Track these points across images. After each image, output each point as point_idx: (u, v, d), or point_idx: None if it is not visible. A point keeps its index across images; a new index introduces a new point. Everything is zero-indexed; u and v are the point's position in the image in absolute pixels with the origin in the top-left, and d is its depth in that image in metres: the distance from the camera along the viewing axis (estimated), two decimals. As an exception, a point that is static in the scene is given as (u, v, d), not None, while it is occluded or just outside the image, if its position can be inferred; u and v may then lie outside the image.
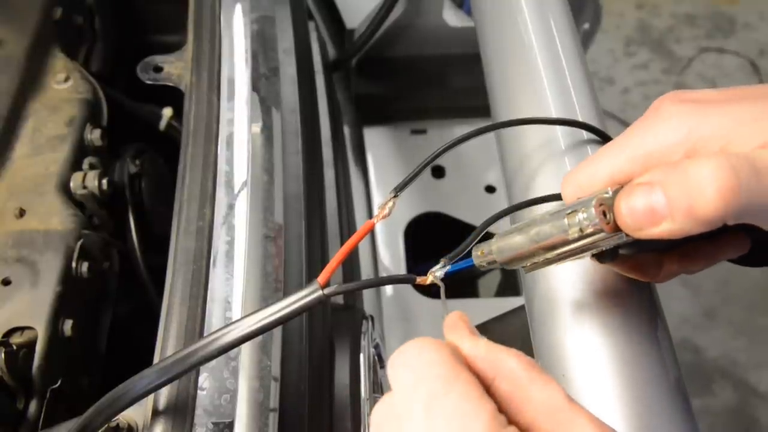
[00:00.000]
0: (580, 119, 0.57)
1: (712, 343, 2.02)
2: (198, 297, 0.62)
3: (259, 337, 0.58)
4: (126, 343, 0.82)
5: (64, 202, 0.75)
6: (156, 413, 0.56)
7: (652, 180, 0.36)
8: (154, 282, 0.85)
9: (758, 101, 0.37)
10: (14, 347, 0.63)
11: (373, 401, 0.75)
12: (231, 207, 0.69)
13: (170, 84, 0.83)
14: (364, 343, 0.80)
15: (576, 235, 0.38)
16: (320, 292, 0.45)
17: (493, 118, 0.66)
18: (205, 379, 0.57)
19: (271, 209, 0.70)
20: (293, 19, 0.93)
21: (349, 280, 0.99)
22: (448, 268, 0.44)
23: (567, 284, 0.50)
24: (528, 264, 0.43)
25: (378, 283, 1.13)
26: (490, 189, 1.45)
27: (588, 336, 0.47)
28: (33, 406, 0.64)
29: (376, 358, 0.82)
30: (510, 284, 1.43)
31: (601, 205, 0.38)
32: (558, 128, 0.57)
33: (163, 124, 0.97)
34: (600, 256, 0.43)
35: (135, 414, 0.56)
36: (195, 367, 0.51)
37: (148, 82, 0.83)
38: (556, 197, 0.47)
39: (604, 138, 0.55)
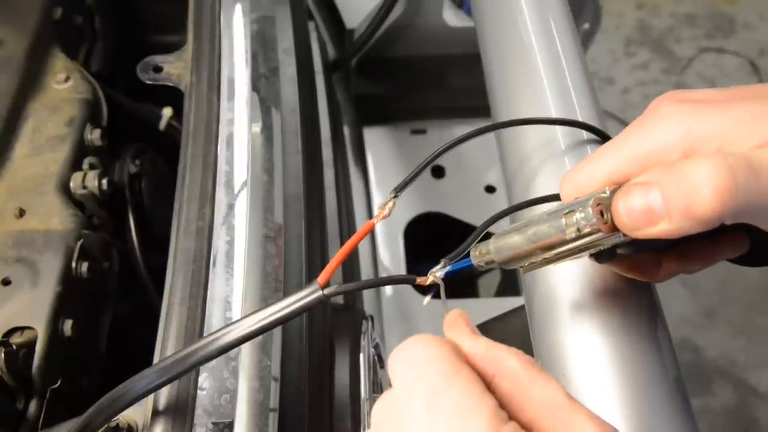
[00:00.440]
0: (580, 119, 0.57)
1: (711, 343, 2.02)
2: (198, 297, 0.62)
3: (259, 337, 0.58)
4: (126, 343, 0.82)
5: (64, 202, 0.75)
6: (156, 413, 0.56)
7: (649, 180, 0.36)
8: (154, 282, 0.85)
9: (757, 101, 0.37)
10: (14, 347, 0.63)
11: (373, 401, 0.75)
12: (231, 207, 0.69)
13: (170, 84, 0.82)
14: (364, 343, 0.80)
15: (573, 235, 0.38)
16: (320, 293, 0.45)
17: (493, 118, 0.66)
18: (205, 379, 0.57)
19: (271, 209, 0.70)
20: (293, 19, 0.93)
21: (349, 280, 0.99)
22: (448, 268, 0.44)
23: (567, 284, 0.50)
24: (526, 264, 0.43)
25: (378, 283, 1.13)
26: (490, 189, 1.45)
27: (588, 336, 0.47)
28: (33, 406, 0.64)
29: (376, 358, 0.82)
30: (510, 284, 1.43)
31: (598, 204, 0.38)
32: (558, 128, 0.57)
33: (163, 124, 0.97)
34: (598, 256, 0.43)
35: (135, 414, 0.56)
36: (195, 367, 0.51)
37: (148, 82, 0.83)
38: (556, 197, 0.47)
39: (604, 138, 0.55)
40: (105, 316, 0.79)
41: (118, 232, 0.86)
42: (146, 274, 0.86)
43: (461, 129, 1.49)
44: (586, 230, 0.38)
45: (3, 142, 0.80)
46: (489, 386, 0.34)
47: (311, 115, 0.91)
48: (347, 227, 1.08)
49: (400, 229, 1.39)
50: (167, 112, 0.97)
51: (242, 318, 0.48)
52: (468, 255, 0.45)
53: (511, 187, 0.59)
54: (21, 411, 0.63)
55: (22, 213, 0.74)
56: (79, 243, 0.72)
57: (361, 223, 1.26)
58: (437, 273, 0.44)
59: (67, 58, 0.89)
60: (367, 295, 1.16)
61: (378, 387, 0.80)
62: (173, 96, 0.82)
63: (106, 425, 0.53)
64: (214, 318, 0.61)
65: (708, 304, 2.08)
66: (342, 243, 0.94)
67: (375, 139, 1.50)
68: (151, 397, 0.55)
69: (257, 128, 0.76)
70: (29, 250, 0.70)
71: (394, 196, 0.47)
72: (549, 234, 0.39)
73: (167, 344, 0.59)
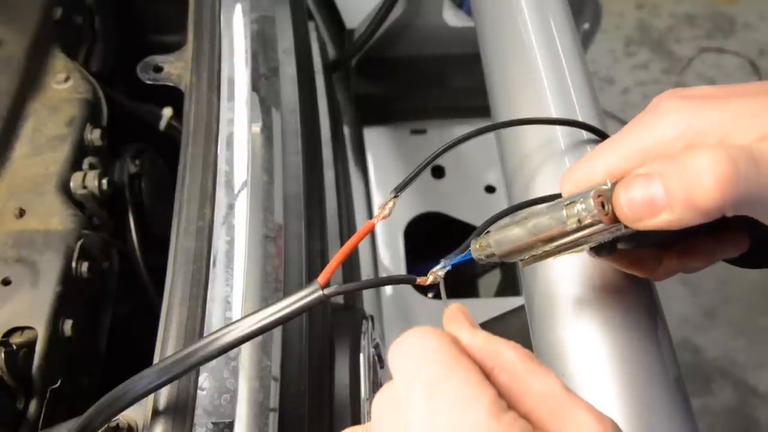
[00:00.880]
0: (580, 119, 0.57)
1: (711, 343, 2.02)
2: (198, 297, 0.62)
3: (259, 337, 0.58)
4: (126, 343, 0.82)
5: (64, 202, 0.75)
6: (156, 413, 0.56)
7: (650, 171, 0.36)
8: (154, 282, 0.85)
9: (757, 97, 0.38)
10: (14, 347, 0.63)
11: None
12: (231, 207, 0.69)
13: (170, 84, 0.83)
14: (364, 343, 0.80)
15: (574, 226, 0.38)
16: (320, 293, 0.45)
17: (493, 118, 0.66)
18: (205, 379, 0.57)
19: (271, 209, 0.70)
20: (293, 19, 0.93)
21: (349, 280, 0.99)
22: (448, 268, 0.44)
23: (566, 283, 0.50)
24: (527, 257, 0.42)
25: (378, 283, 1.14)
26: (490, 189, 1.45)
27: (588, 334, 0.47)
28: (33, 406, 0.63)
29: (376, 358, 0.82)
30: (510, 284, 1.43)
31: (599, 196, 0.38)
32: (558, 128, 0.57)
33: (163, 124, 0.97)
34: (598, 250, 0.42)
35: (135, 414, 0.56)
36: (195, 367, 0.51)
37: (148, 82, 0.83)
38: (557, 197, 0.47)
39: (603, 138, 0.55)
40: (105, 316, 0.79)
41: (118, 232, 0.86)
42: (146, 274, 0.86)
43: (461, 129, 1.49)
44: (587, 221, 0.38)
45: (3, 142, 0.80)
46: (488, 379, 0.34)
47: (311, 115, 0.91)
48: (347, 227, 1.08)
49: (400, 229, 1.39)
50: (167, 112, 0.97)
51: (242, 318, 0.48)
52: (464, 252, 0.45)
53: (511, 187, 0.59)
54: (21, 411, 0.63)
55: (22, 213, 0.74)
56: (79, 243, 0.72)
57: (361, 223, 1.27)
58: (437, 272, 0.44)
59: (67, 58, 0.89)
60: (367, 295, 1.16)
61: (378, 387, 0.80)
62: (173, 96, 0.82)
63: (106, 425, 0.53)
64: (214, 318, 0.61)
65: (708, 304, 2.08)
66: (342, 243, 0.94)
67: (375, 139, 1.50)
68: (151, 397, 0.55)
69: (257, 128, 0.76)
70: (29, 250, 0.70)
71: (394, 196, 0.47)
72: (550, 226, 0.39)
73: (167, 344, 0.59)
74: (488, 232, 0.44)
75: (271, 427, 0.57)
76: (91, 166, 0.81)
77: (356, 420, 0.73)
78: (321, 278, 0.45)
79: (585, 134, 0.56)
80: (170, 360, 0.50)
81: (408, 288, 1.30)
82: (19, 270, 0.69)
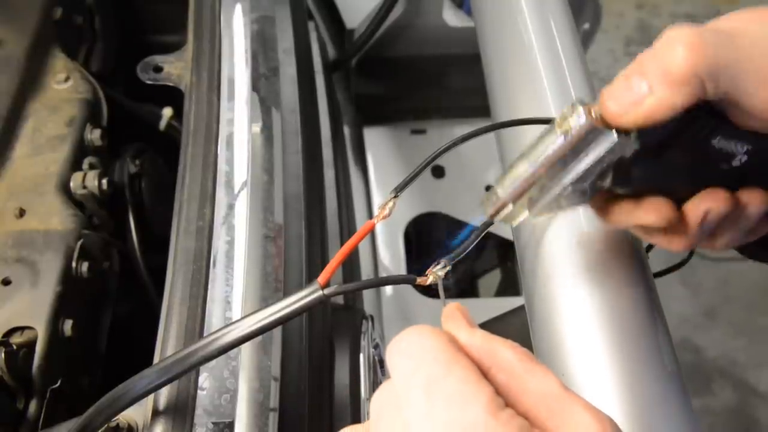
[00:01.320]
0: (580, 119, 0.57)
1: (711, 343, 2.02)
2: (198, 297, 0.62)
3: (259, 337, 0.58)
4: (126, 343, 0.82)
5: (64, 202, 0.75)
6: (156, 413, 0.56)
7: (629, 70, 0.38)
8: (154, 282, 0.85)
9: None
10: (14, 347, 0.63)
11: (373, 401, 0.75)
12: (231, 207, 0.69)
13: (170, 84, 0.82)
14: (364, 343, 0.80)
15: (566, 131, 0.38)
16: (320, 293, 0.45)
17: (493, 118, 0.66)
18: (205, 379, 0.57)
19: (271, 209, 0.70)
20: (293, 19, 0.93)
21: (349, 280, 0.99)
22: (448, 268, 0.44)
23: (567, 283, 0.50)
24: (535, 195, 0.41)
25: (378, 283, 1.13)
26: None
27: (588, 334, 0.47)
28: (33, 406, 0.63)
29: (376, 358, 0.82)
30: (510, 284, 1.43)
31: (585, 104, 0.38)
32: (558, 128, 0.56)
33: (163, 124, 0.97)
34: (601, 180, 0.41)
35: (135, 414, 0.56)
36: (195, 367, 0.51)
37: (148, 82, 0.83)
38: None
39: (604, 138, 0.55)
40: (105, 316, 0.79)
41: (118, 232, 0.86)
42: (146, 274, 0.86)
43: (461, 129, 1.49)
44: (577, 127, 0.38)
45: (3, 142, 0.79)
46: (485, 378, 0.34)
47: (311, 115, 0.91)
48: (347, 227, 1.09)
49: (400, 229, 1.39)
50: (167, 112, 0.97)
51: (242, 318, 0.48)
52: (465, 252, 0.45)
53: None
54: (21, 411, 0.63)
55: (22, 213, 0.74)
56: (79, 243, 0.72)
57: (361, 223, 1.27)
58: (437, 272, 0.44)
59: (67, 58, 0.89)
60: (367, 295, 1.16)
61: (378, 387, 0.79)
62: (173, 96, 0.82)
63: (106, 425, 0.53)
64: (214, 318, 0.61)
65: (708, 303, 2.08)
66: (342, 243, 0.94)
67: (375, 139, 1.50)
68: (151, 397, 0.55)
69: (257, 128, 0.76)
70: (29, 250, 0.70)
71: (394, 196, 0.47)
72: (546, 146, 0.39)
73: (167, 344, 0.59)
74: (488, 235, 0.44)
75: (271, 427, 0.57)
76: (91, 166, 0.81)
77: (356, 420, 0.73)
78: (321, 278, 0.45)
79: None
80: (170, 360, 0.50)
81: (408, 288, 1.30)
82: (19, 270, 0.69)
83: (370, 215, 1.36)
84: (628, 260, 0.49)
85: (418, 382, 0.33)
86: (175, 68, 0.83)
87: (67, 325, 0.68)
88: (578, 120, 0.38)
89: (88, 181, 0.77)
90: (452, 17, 1.32)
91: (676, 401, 0.45)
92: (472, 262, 1.48)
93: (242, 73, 0.80)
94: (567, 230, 0.51)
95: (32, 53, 0.87)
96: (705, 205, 0.42)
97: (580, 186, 0.41)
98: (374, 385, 0.78)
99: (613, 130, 0.38)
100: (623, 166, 0.40)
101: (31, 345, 0.64)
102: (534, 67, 0.61)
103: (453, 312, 0.38)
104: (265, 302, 0.63)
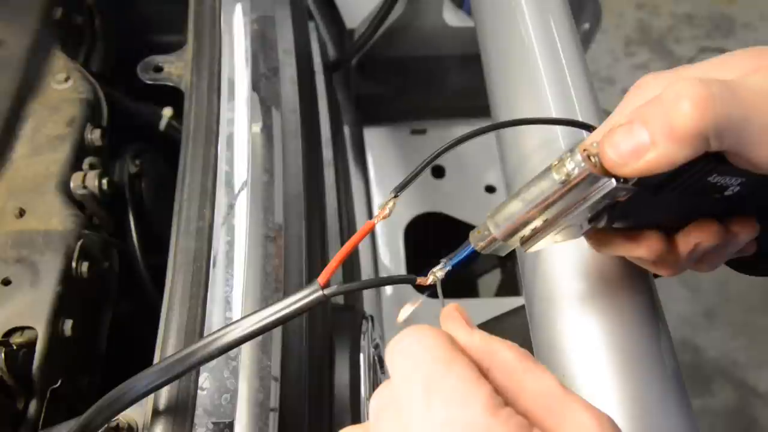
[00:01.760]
0: (580, 119, 0.57)
1: (711, 344, 2.02)
2: (198, 297, 0.62)
3: (259, 337, 0.58)
4: (126, 343, 0.82)
5: (64, 202, 0.75)
6: (156, 413, 0.56)
7: (631, 118, 0.37)
8: (154, 282, 0.85)
9: (722, 58, 0.40)
10: (14, 347, 0.63)
11: (373, 401, 0.75)
12: (231, 207, 0.69)
13: (170, 84, 0.83)
14: (364, 343, 0.80)
15: (563, 178, 0.38)
16: (320, 293, 0.45)
17: (493, 118, 0.66)
18: (205, 379, 0.57)
19: (271, 209, 0.70)
20: (293, 19, 0.93)
21: (349, 280, 0.99)
22: (448, 268, 0.44)
23: (566, 283, 0.50)
24: (527, 233, 0.41)
25: (378, 283, 1.13)
26: (490, 189, 1.45)
27: (588, 334, 0.47)
28: (33, 406, 0.64)
29: (376, 358, 0.82)
30: (510, 284, 1.43)
31: (585, 150, 0.38)
32: (558, 128, 0.57)
33: (163, 124, 0.97)
34: (596, 220, 0.42)
35: (135, 414, 0.56)
36: (195, 367, 0.51)
37: (148, 82, 0.83)
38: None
39: (604, 138, 0.55)
40: (105, 316, 0.79)
41: (118, 232, 0.86)
42: (146, 274, 0.86)
43: (461, 129, 1.49)
44: (575, 173, 0.37)
45: (3, 142, 0.79)
46: (485, 377, 0.34)
47: (311, 115, 0.91)
48: (347, 227, 1.08)
49: (400, 229, 1.39)
50: (167, 112, 0.97)
51: (242, 318, 0.48)
52: (465, 258, 0.44)
53: (511, 187, 0.59)
54: (21, 411, 0.63)
55: (22, 213, 0.74)
56: (79, 243, 0.72)
57: (361, 223, 1.27)
58: (437, 273, 0.44)
59: (67, 58, 0.89)
60: (367, 295, 1.16)
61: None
62: (173, 96, 0.82)
63: (106, 425, 0.53)
64: (214, 318, 0.61)
65: (708, 304, 2.08)
66: (342, 243, 0.94)
67: (375, 139, 1.50)
68: (151, 397, 0.55)
69: (257, 128, 0.76)
70: (29, 250, 0.70)
71: (394, 196, 0.46)
72: (542, 189, 0.39)
73: (167, 344, 0.59)
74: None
75: (271, 427, 0.57)
76: (91, 166, 0.81)
77: (356, 420, 0.73)
78: (321, 278, 0.45)
79: (585, 134, 0.56)
80: (170, 360, 0.50)
81: (408, 288, 1.30)
82: (19, 270, 0.69)
83: (370, 215, 1.36)
84: (629, 261, 0.49)
85: (417, 381, 0.33)
86: (175, 68, 0.84)
87: (67, 325, 0.68)
88: (577, 167, 0.37)
89: (88, 181, 0.77)
90: (452, 17, 1.32)
91: (676, 401, 0.45)
92: (472, 262, 1.48)
93: (242, 73, 0.80)
94: (567, 230, 0.51)
95: (32, 53, 0.87)
96: (696, 238, 0.43)
97: (575, 223, 0.41)
98: (374, 385, 0.78)
99: (612, 178, 0.38)
100: (619, 205, 0.40)
101: (31, 345, 0.64)
102: (534, 67, 0.61)
103: (451, 313, 0.38)
104: (265, 302, 0.63)
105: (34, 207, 0.74)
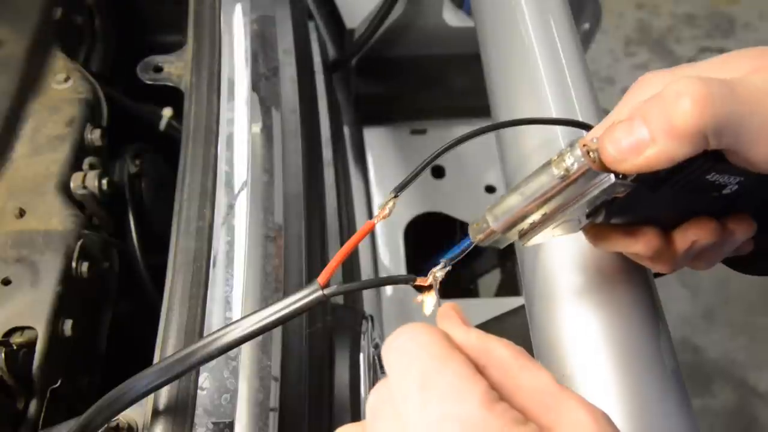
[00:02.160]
0: (580, 119, 0.57)
1: (711, 344, 2.02)
2: (198, 297, 0.62)
3: (259, 337, 0.58)
4: (126, 343, 0.82)
5: (64, 202, 0.75)
6: (156, 413, 0.56)
7: (631, 115, 0.38)
8: (154, 282, 0.85)
9: (722, 57, 0.41)
10: (14, 347, 0.63)
11: (373, 401, 0.75)
12: (231, 207, 0.69)
13: (170, 84, 0.83)
14: (364, 343, 0.80)
15: (563, 173, 0.38)
16: (320, 292, 0.45)
17: (493, 118, 0.66)
18: (205, 379, 0.57)
19: (271, 209, 0.70)
20: (293, 19, 0.93)
21: (349, 280, 0.99)
22: (448, 268, 0.44)
23: (566, 283, 0.50)
24: (525, 227, 0.41)
25: (378, 283, 1.14)
26: (490, 189, 1.45)
27: (588, 334, 0.47)
28: (33, 406, 0.63)
29: (375, 357, 0.82)
30: (510, 284, 1.43)
31: (584, 145, 0.38)
32: (558, 128, 0.57)
33: (163, 124, 0.97)
34: (594, 215, 0.42)
35: (135, 414, 0.56)
36: (195, 367, 0.51)
37: (148, 82, 0.83)
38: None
39: (604, 138, 0.55)
40: (105, 316, 0.79)
41: (118, 232, 0.86)
42: (146, 274, 0.86)
43: (461, 129, 1.49)
44: (575, 168, 0.38)
45: (3, 142, 0.79)
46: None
47: (311, 115, 0.91)
48: (347, 227, 1.08)
49: (400, 229, 1.39)
50: (167, 112, 0.97)
51: (242, 318, 0.48)
52: (463, 251, 0.44)
53: (510, 187, 0.59)
54: (21, 411, 0.63)
55: (22, 213, 0.74)
56: (79, 243, 0.72)
57: (361, 223, 1.27)
58: (437, 273, 0.44)
59: (67, 58, 0.89)
60: (367, 295, 1.16)
61: (378, 387, 0.79)
62: (173, 96, 0.82)
63: (106, 425, 0.53)
64: (214, 318, 0.61)
65: (708, 304, 2.08)
66: (342, 243, 0.94)
67: (375, 139, 1.50)
68: (151, 397, 0.55)
69: (257, 128, 0.76)
70: (29, 250, 0.70)
71: (394, 196, 0.47)
72: (541, 183, 0.39)
73: (167, 344, 0.59)
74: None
75: (271, 427, 0.57)
76: (91, 166, 0.81)
77: (356, 420, 0.73)
78: (321, 278, 0.45)
79: (585, 134, 0.56)
80: (170, 360, 0.50)
81: (408, 288, 1.30)
82: (19, 270, 0.69)
83: (370, 215, 1.36)
84: (628, 260, 0.49)
85: (413, 377, 0.33)
86: (175, 68, 0.84)
87: (67, 325, 0.68)
88: (576, 162, 0.38)
89: (88, 181, 0.77)
90: (452, 17, 1.32)
91: (676, 401, 0.45)
92: (472, 262, 1.48)
93: (242, 73, 0.80)
94: (567, 230, 0.51)
95: (32, 53, 0.87)
96: (693, 235, 0.43)
97: (573, 217, 0.41)
98: (374, 384, 0.78)
99: (611, 174, 0.38)
100: (617, 201, 0.40)
101: (31, 345, 0.64)
102: (534, 67, 0.62)
103: (448, 311, 0.38)
104: (265, 302, 0.63)
105: (34, 207, 0.74)
